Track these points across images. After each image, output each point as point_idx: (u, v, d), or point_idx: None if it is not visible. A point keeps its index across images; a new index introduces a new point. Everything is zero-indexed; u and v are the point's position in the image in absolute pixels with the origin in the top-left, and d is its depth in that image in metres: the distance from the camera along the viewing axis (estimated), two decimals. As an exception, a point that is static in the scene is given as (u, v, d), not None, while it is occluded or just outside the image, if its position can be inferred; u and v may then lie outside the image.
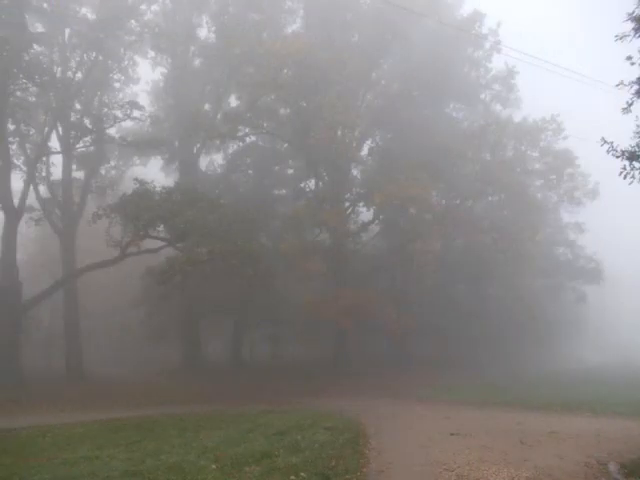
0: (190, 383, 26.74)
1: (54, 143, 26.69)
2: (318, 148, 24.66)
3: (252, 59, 24.33)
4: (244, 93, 27.29)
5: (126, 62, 29.83)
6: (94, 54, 25.16)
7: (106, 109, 26.27)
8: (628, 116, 9.59)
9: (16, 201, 23.50)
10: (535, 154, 35.25)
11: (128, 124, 30.95)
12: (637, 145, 9.19)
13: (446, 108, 34.25)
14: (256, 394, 21.34)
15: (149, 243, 27.52)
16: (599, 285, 42.80)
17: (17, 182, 25.95)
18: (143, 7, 26.33)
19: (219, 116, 30.30)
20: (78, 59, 26.14)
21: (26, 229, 28.61)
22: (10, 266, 22.76)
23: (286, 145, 32.29)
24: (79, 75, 25.85)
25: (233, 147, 35.53)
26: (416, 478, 7.46)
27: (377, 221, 30.83)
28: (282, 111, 30.31)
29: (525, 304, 36.54)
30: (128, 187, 26.33)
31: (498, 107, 33.47)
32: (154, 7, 30.11)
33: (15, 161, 25.25)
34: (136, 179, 22.39)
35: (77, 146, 26.59)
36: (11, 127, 23.62)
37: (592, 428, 11.27)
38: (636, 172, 9.10)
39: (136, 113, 25.31)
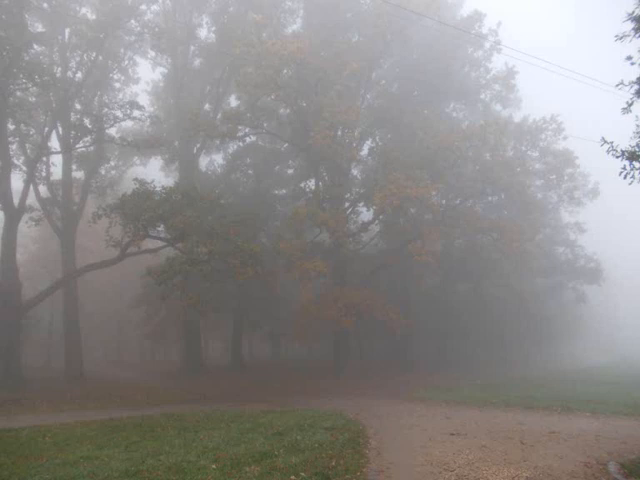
0: (190, 383, 26.77)
1: (54, 143, 26.81)
2: (318, 148, 24.63)
3: (252, 59, 24.32)
4: (244, 93, 27.26)
5: (126, 62, 29.98)
6: (94, 54, 25.21)
7: (106, 109, 26.32)
8: (628, 116, 9.61)
9: (16, 201, 23.53)
10: (535, 154, 35.28)
11: (128, 124, 31.08)
12: (637, 145, 9.18)
13: (446, 108, 34.27)
14: (256, 394, 21.34)
15: (149, 243, 27.56)
16: (599, 285, 42.77)
17: (17, 182, 26.05)
18: (143, 7, 26.40)
19: (219, 116, 30.32)
20: (78, 59, 26.21)
21: (26, 229, 28.62)
22: (10, 266, 22.78)
23: (286, 145, 32.28)
24: (79, 75, 25.92)
25: (233, 147, 35.62)
26: (416, 478, 7.46)
27: (377, 221, 30.79)
28: (282, 111, 30.33)
29: (525, 304, 36.55)
30: (128, 187, 26.33)
31: (498, 107, 33.47)
32: (154, 7, 30.27)
33: (15, 161, 25.31)
34: (136, 179, 22.36)
35: (77, 146, 26.64)
36: (11, 127, 23.67)
37: (592, 428, 11.29)
38: (636, 172, 9.09)
39: (136, 113, 25.32)
